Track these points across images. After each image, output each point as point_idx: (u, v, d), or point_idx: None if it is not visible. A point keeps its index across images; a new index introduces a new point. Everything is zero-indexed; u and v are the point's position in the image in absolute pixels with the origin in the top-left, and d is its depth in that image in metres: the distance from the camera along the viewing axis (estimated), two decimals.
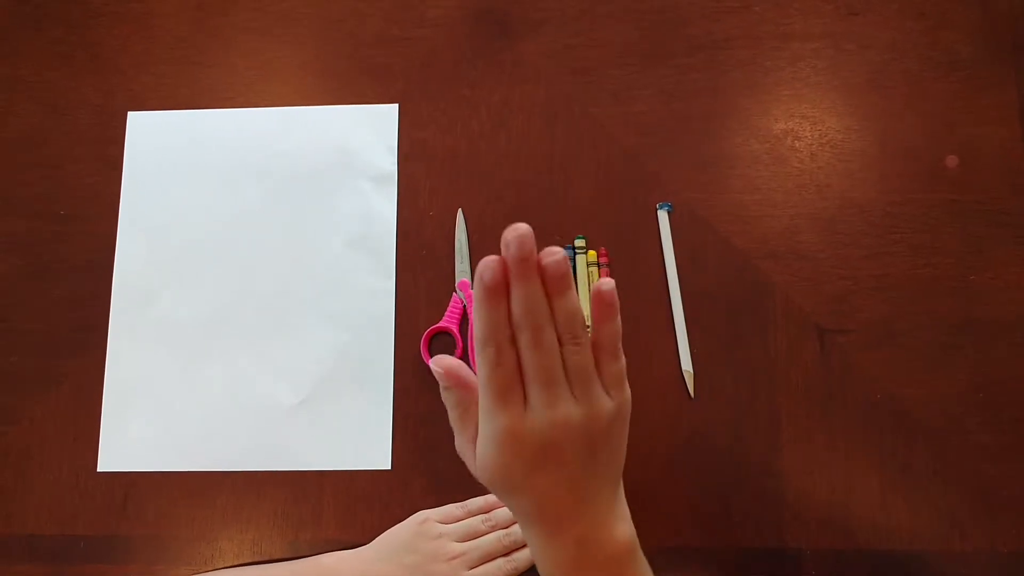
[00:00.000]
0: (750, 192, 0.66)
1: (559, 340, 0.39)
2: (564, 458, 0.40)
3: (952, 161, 0.66)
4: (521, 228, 0.37)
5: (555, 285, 0.38)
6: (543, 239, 0.61)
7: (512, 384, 0.39)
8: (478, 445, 0.41)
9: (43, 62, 0.71)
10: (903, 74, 0.68)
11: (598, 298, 0.40)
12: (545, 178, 0.67)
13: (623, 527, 0.42)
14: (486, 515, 0.59)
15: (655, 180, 0.67)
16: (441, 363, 0.42)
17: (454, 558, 0.57)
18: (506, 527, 0.59)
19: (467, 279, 0.65)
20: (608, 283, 0.40)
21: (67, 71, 0.71)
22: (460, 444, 0.43)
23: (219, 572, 0.60)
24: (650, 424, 0.62)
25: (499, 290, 0.38)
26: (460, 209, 0.67)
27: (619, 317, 0.41)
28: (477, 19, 0.70)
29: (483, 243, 0.66)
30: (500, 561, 0.58)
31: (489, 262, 0.38)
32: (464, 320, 0.65)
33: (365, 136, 0.69)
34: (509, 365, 0.39)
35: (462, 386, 0.42)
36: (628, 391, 0.42)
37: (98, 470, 0.64)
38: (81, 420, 0.64)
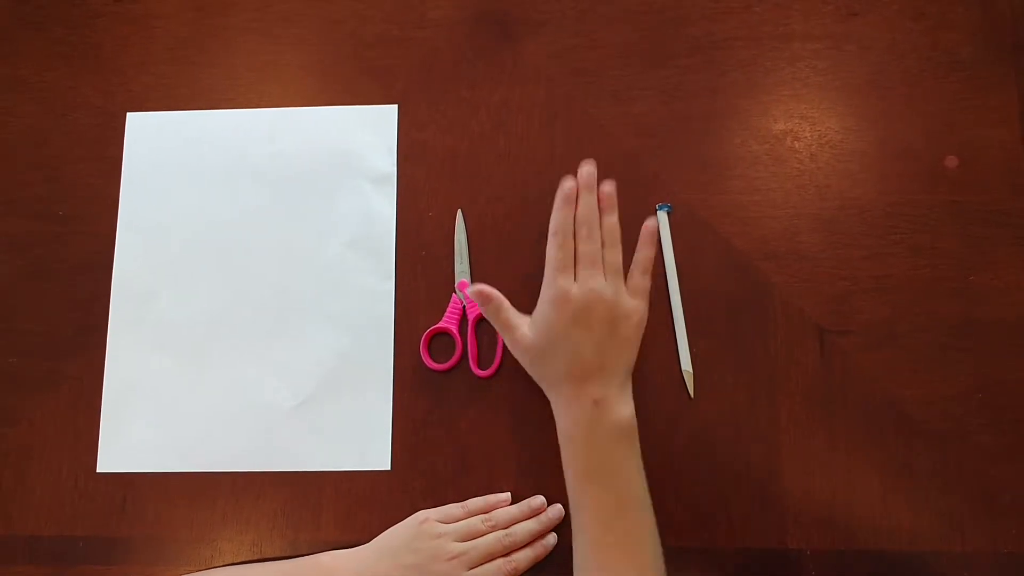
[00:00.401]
0: (750, 193, 0.66)
1: (602, 243, 0.57)
2: (593, 322, 0.54)
3: (952, 161, 0.66)
4: (590, 161, 0.58)
5: (605, 204, 0.58)
6: (543, 238, 0.61)
7: (568, 263, 0.56)
8: (536, 309, 0.56)
9: (43, 62, 0.71)
10: (903, 74, 0.68)
11: (645, 230, 0.58)
12: (545, 178, 0.67)
13: (629, 409, 0.55)
14: (486, 515, 0.59)
15: (655, 181, 0.67)
16: (475, 287, 0.58)
17: (454, 558, 0.57)
18: (506, 527, 0.59)
19: (466, 279, 0.65)
20: (654, 221, 0.59)
21: (67, 71, 0.71)
22: (509, 341, 0.58)
23: (216, 571, 0.60)
24: (650, 424, 0.62)
25: (571, 199, 0.57)
26: (460, 210, 0.67)
27: (654, 248, 0.58)
28: (477, 20, 0.70)
29: (483, 243, 0.66)
30: (500, 561, 0.58)
31: (569, 179, 0.58)
32: (463, 321, 0.65)
33: (365, 137, 0.69)
34: (568, 250, 0.56)
35: (494, 298, 0.57)
36: (647, 306, 0.57)
37: (97, 471, 0.64)
38: (81, 421, 0.64)
